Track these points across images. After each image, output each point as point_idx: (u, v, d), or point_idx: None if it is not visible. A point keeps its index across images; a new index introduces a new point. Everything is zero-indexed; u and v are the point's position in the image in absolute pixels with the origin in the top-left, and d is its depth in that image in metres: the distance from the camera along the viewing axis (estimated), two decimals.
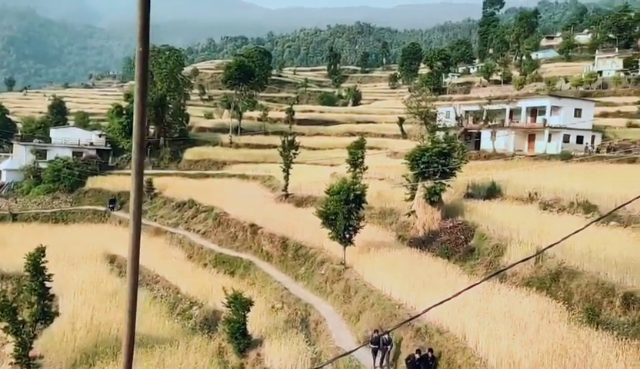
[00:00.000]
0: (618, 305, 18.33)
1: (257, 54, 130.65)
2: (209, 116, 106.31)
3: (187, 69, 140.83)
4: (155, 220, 56.28)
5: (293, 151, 47.73)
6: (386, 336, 20.18)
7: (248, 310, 25.01)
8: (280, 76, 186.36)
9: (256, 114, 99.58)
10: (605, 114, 68.56)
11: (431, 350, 18.64)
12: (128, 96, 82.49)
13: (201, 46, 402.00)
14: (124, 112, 71.14)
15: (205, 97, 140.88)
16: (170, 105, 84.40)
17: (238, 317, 24.71)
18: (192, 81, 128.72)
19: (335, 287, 29.09)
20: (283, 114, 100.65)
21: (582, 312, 19.02)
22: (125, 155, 78.13)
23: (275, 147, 55.62)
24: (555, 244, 10.26)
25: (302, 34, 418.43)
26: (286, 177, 48.03)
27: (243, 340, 24.80)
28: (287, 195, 48.37)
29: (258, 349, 24.91)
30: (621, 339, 15.96)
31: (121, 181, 64.85)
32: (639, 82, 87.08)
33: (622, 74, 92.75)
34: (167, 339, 27.23)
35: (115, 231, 53.47)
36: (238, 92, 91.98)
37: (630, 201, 11.59)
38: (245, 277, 35.96)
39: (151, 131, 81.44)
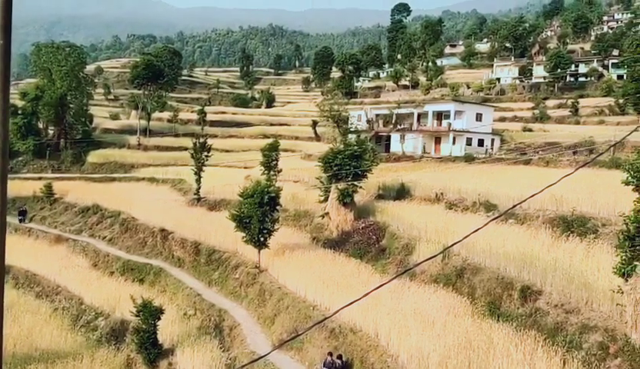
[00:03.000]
0: (517, 298, 19.59)
1: (166, 54, 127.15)
2: (115, 117, 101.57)
3: (90, 67, 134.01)
4: (56, 227, 52.94)
5: (205, 153, 46.74)
6: (339, 361, 18.85)
7: (159, 319, 24.13)
8: (191, 76, 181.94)
9: (166, 115, 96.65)
10: (502, 119, 73.31)
11: (340, 356, 18.69)
12: (24, 94, 76.91)
13: (106, 43, 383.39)
14: (19, 112, 66.22)
15: (111, 97, 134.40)
16: (71, 105, 79.92)
17: (147, 326, 23.75)
18: (96, 80, 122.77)
19: (250, 291, 28.79)
20: (194, 116, 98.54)
21: (484, 306, 20.14)
22: (20, 158, 72.79)
23: (186, 149, 54.29)
24: (458, 242, 10.77)
25: (214, 35, 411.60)
26: (198, 181, 46.94)
27: (153, 350, 23.87)
28: (199, 199, 47.29)
29: (169, 358, 24.11)
30: (520, 330, 17.04)
31: (15, 186, 60.19)
32: (533, 89, 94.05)
33: (518, 82, 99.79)
34: (70, 353, 25.65)
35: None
36: (146, 92, 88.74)
37: (524, 200, 12.43)
38: (156, 284, 34.69)
39: (51, 132, 76.55)
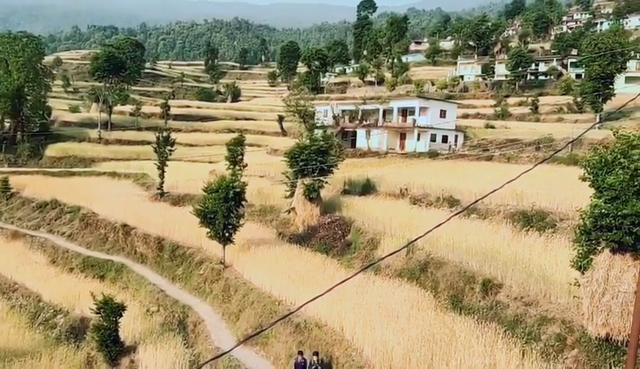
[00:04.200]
0: (478, 291, 19.99)
1: (128, 46, 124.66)
2: (75, 110, 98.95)
3: (48, 58, 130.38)
4: (12, 222, 51.34)
5: (169, 147, 46.07)
6: (315, 358, 17.79)
7: (120, 316, 23.63)
8: (154, 69, 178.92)
9: (128, 108, 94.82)
10: (466, 116, 74.68)
11: (316, 353, 17.98)
12: None
13: (65, 34, 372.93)
14: None
15: (70, 89, 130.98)
16: (29, 97, 77.48)
17: (108, 323, 23.23)
18: (55, 72, 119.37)
19: (215, 287, 28.51)
20: (158, 109, 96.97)
21: (447, 299, 20.48)
22: None
23: (149, 143, 53.31)
24: (420, 236, 10.89)
25: (178, 27, 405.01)
26: (161, 175, 46.22)
27: (114, 348, 23.37)
28: (162, 194, 46.57)
29: (131, 356, 23.67)
30: (481, 322, 17.39)
31: None
32: (495, 87, 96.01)
33: (481, 79, 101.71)
34: (27, 351, 24.86)
35: None
36: (107, 85, 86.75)
37: (485, 196, 12.66)
38: (117, 280, 34.01)
39: (7, 125, 74.02)
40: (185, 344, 23.66)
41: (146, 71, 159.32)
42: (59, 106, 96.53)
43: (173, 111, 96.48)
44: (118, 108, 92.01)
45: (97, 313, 23.51)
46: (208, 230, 28.81)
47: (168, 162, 46.33)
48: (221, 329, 24.43)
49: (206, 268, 30.32)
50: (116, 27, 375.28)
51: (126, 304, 24.53)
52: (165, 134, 47.11)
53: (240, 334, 23.33)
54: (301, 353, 18.27)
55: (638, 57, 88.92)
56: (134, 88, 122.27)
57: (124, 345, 24.01)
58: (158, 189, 46.93)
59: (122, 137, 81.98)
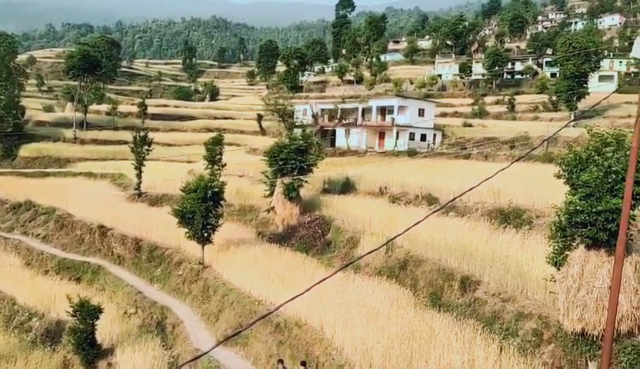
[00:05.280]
0: (457, 288, 20.16)
1: (104, 44, 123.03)
2: (49, 109, 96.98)
3: (21, 57, 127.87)
4: None
5: (146, 147, 45.55)
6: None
7: (97, 318, 23.27)
8: (131, 68, 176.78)
9: (104, 107, 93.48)
10: (444, 114, 75.26)
11: (303, 363, 17.09)
12: None
13: (39, 32, 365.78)
14: None
15: (44, 88, 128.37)
16: (1, 97, 75.72)
17: (85, 326, 22.84)
18: (28, 71, 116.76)
19: (193, 288, 28.29)
20: (135, 109, 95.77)
21: (426, 296, 20.61)
22: None
23: (126, 143, 52.64)
24: (399, 234, 10.93)
25: (155, 25, 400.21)
26: (139, 175, 45.68)
27: (91, 351, 22.99)
28: (140, 194, 46.04)
29: (109, 358, 23.32)
30: (460, 319, 17.55)
31: None
32: (473, 86, 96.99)
33: (458, 78, 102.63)
34: (2, 355, 24.41)
35: None
36: (82, 84, 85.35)
37: (462, 194, 12.75)
38: (94, 282, 33.50)
39: None
40: (163, 346, 23.44)
41: (122, 69, 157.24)
42: (33, 105, 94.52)
43: (150, 110, 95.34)
44: (93, 107, 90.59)
45: (73, 316, 23.11)
46: (187, 230, 28.59)
47: (145, 162, 45.82)
48: (200, 330, 24.25)
49: (185, 269, 30.06)
50: (91, 25, 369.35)
51: (103, 306, 24.18)
52: (142, 133, 46.52)
53: (219, 334, 23.16)
54: (281, 361, 17.61)
55: (611, 56, 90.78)
56: (110, 87, 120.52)
57: (101, 348, 23.66)
58: (136, 189, 46.37)
59: (98, 136, 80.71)
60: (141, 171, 45.47)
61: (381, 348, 16.16)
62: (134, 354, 22.06)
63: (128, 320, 27.16)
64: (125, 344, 23.65)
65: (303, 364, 17.06)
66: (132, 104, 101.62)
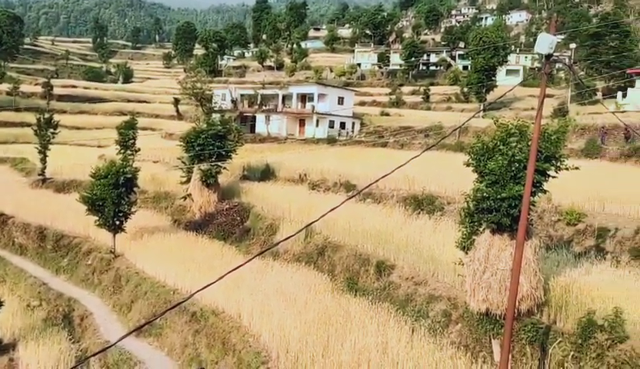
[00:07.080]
0: (372, 273, 20.68)
1: (5, 19, 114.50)
2: None
3: None
4: None
5: (51, 130, 42.96)
6: None
7: None
8: (35, 46, 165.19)
9: (5, 87, 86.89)
10: (362, 103, 76.48)
11: None
12: None
13: None
14: None
15: None
16: None
17: None
18: None
19: (104, 278, 27.09)
20: (39, 89, 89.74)
21: (344, 281, 20.97)
22: None
23: (29, 125, 49.35)
24: (315, 220, 10.99)
25: (62, 1, 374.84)
26: (43, 160, 42.99)
27: None
28: (45, 180, 43.39)
29: (10, 354, 21.80)
30: (375, 302, 18.04)
31: None
32: (390, 75, 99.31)
33: (377, 68, 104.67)
34: None
35: None
36: None
37: (376, 181, 12.99)
38: None
39: None
40: (70, 339, 22.21)
41: (25, 47, 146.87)
42: None
43: (57, 91, 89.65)
44: None
45: None
46: (97, 218, 27.35)
47: (51, 146, 43.23)
48: (111, 322, 23.29)
49: (94, 258, 28.71)
50: None
51: (3, 299, 22.56)
52: (46, 115, 43.74)
53: (132, 325, 22.34)
54: None
55: (517, 51, 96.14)
56: (11, 65, 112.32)
57: (1, 343, 22.12)
58: (40, 175, 43.63)
59: None
60: (45, 156, 42.84)
61: (298, 334, 16.25)
62: (38, 349, 20.74)
63: (32, 313, 25.54)
64: (29, 338, 22.21)
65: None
66: (36, 84, 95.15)
